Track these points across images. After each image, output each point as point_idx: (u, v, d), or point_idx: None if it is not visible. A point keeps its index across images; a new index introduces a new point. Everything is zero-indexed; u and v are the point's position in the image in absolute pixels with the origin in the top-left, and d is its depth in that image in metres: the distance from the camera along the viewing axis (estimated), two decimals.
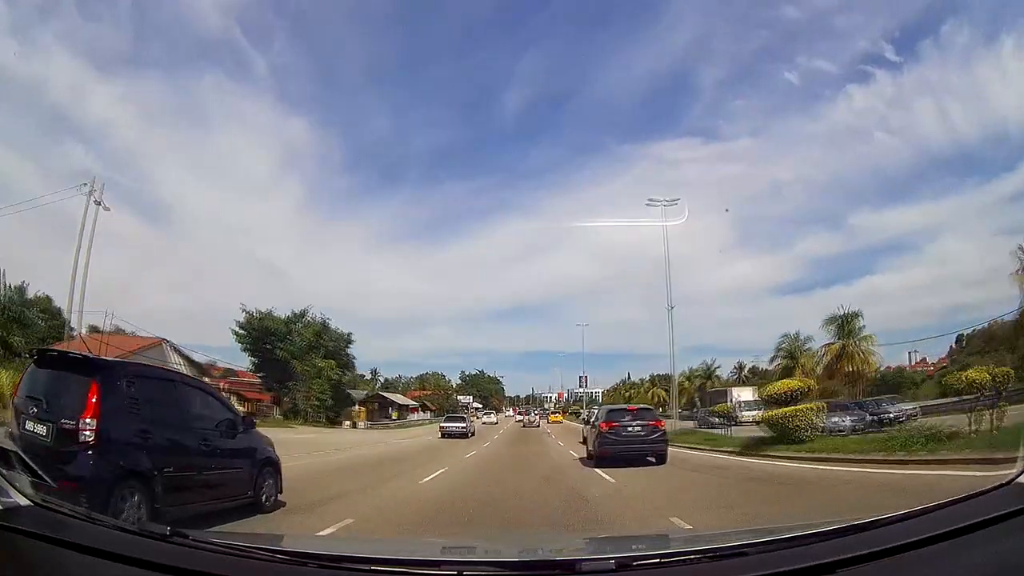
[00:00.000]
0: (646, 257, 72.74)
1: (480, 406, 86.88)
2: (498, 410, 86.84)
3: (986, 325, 36.91)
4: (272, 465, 7.76)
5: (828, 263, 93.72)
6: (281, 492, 7.83)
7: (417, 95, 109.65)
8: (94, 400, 5.34)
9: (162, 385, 6.74)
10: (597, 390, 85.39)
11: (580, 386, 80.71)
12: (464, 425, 32.35)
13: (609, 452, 13.74)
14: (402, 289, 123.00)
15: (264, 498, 7.40)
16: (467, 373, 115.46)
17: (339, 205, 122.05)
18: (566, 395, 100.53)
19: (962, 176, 74.66)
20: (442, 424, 34.05)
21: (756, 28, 72.70)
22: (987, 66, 59.33)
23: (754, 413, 23.59)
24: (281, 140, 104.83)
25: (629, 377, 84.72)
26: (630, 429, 13.93)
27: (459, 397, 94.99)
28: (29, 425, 5.42)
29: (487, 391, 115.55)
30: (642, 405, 19.20)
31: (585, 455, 16.64)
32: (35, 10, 56.47)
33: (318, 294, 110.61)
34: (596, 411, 17.48)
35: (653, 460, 13.96)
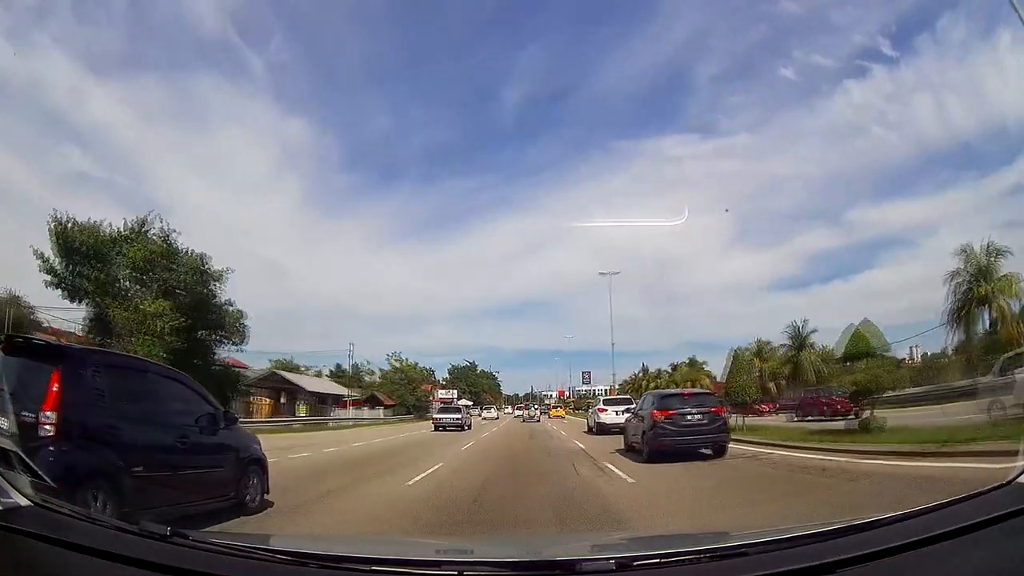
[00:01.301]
0: (645, 254, 72.36)
1: (470, 403, 68.67)
2: (498, 407, 79.17)
3: None
4: (258, 464, 7.42)
5: (826, 258, 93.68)
6: (268, 492, 7.49)
7: (415, 93, 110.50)
8: (55, 390, 4.94)
9: (133, 375, 6.27)
10: (600, 387, 78.66)
11: (583, 382, 79.69)
12: (459, 416, 32.89)
13: (666, 445, 12.01)
14: (402, 287, 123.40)
15: (249, 499, 7.00)
16: (456, 366, 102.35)
17: (338, 203, 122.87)
18: (567, 392, 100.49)
19: (960, 170, 74.17)
20: (435, 416, 35.07)
21: (752, 23, 72.65)
22: (984, 59, 59.09)
23: None
24: (279, 139, 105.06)
25: (644, 367, 72.47)
26: (689, 418, 12.18)
27: (440, 392, 78.87)
28: None
29: (479, 386, 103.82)
30: (698, 390, 17.72)
31: (621, 448, 14.90)
32: (31, 13, 56.20)
33: (319, 292, 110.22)
34: (643, 399, 15.19)
35: (709, 453, 12.43)
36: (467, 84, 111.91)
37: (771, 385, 39.30)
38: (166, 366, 8.39)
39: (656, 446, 12.18)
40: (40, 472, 2.29)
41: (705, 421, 12.27)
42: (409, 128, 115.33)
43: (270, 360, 57.44)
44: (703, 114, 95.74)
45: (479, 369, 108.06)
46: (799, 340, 38.12)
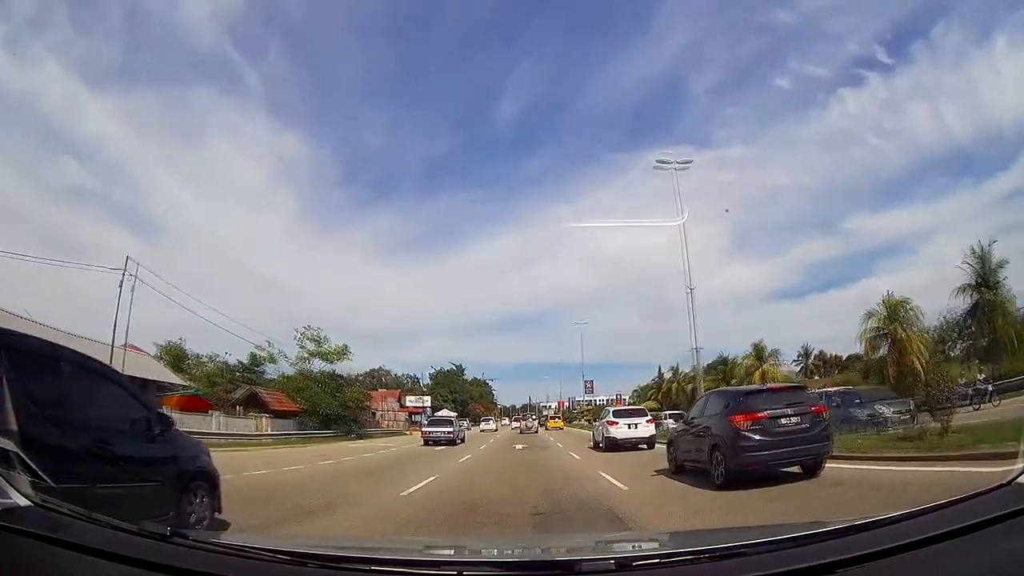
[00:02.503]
0: (642, 266, 71.78)
1: (455, 414, 52.18)
2: (495, 419, 73.16)
3: None
4: (205, 478, 6.35)
5: (824, 267, 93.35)
6: (220, 511, 6.42)
7: (410, 107, 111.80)
8: None
9: (45, 364, 5.01)
10: (601, 397, 76.36)
11: (586, 391, 78.53)
12: (450, 430, 32.05)
13: (756, 463, 8.56)
14: (399, 300, 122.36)
15: (194, 519, 5.91)
16: (439, 370, 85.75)
17: (334, 217, 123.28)
18: (567, 404, 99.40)
19: (956, 177, 74.77)
20: (424, 428, 34.04)
21: (748, 34, 72.91)
22: (979, 65, 59.37)
23: None
24: (275, 153, 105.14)
25: (662, 372, 62.03)
26: (784, 422, 8.75)
27: (408, 399, 67.02)
28: None
29: (467, 395, 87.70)
30: (786, 383, 14.25)
31: (663, 469, 11.72)
32: (29, 24, 55.96)
33: (317, 306, 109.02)
34: (704, 402, 11.48)
35: (799, 471, 9.07)
36: (463, 98, 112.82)
37: (915, 363, 25.25)
38: (88, 356, 6.56)
39: (741, 464, 8.64)
40: (40, 472, 2.29)
41: (805, 425, 8.84)
42: (404, 142, 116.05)
43: (156, 344, 40.48)
44: (699, 126, 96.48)
45: (464, 374, 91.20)
46: (988, 276, 20.76)
